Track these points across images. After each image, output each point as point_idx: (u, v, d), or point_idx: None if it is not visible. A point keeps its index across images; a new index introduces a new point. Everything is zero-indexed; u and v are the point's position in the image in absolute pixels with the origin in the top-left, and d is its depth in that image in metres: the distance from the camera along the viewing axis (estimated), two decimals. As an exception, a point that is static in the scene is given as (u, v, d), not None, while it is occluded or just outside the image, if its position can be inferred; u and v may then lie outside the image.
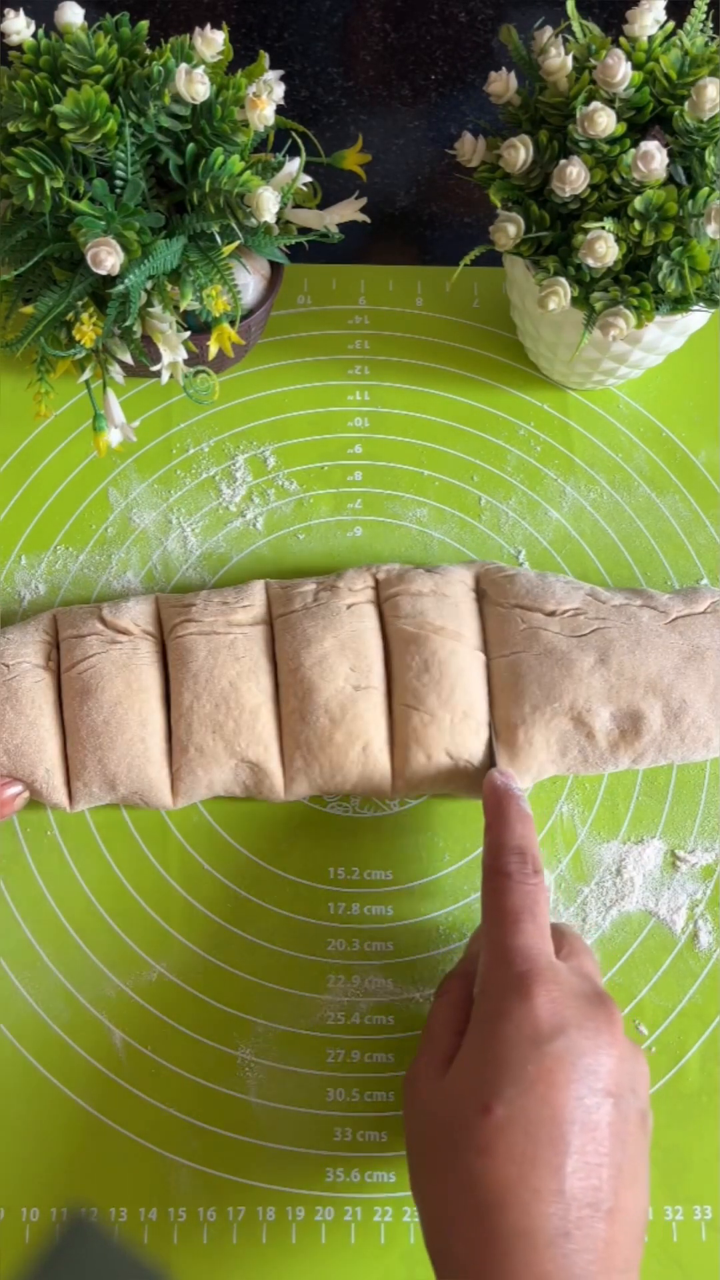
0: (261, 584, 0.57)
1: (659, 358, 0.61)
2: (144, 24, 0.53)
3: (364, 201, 0.59)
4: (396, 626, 0.54)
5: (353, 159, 0.59)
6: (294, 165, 0.56)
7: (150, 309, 0.55)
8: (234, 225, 0.53)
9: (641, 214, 0.51)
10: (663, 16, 0.53)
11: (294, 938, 0.55)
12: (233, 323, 0.56)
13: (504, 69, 0.55)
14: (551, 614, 0.55)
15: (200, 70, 0.50)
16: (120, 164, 0.50)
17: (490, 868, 0.47)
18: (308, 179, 0.58)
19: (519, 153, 0.53)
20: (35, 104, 0.50)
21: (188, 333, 0.56)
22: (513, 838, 0.47)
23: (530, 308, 0.59)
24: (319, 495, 0.63)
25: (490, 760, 0.53)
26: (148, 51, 0.53)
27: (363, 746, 0.53)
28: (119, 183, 0.51)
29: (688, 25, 0.53)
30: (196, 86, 0.50)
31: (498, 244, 0.55)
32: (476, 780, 0.53)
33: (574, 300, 0.54)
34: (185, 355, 0.56)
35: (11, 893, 0.55)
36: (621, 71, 0.51)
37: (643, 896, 0.56)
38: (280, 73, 0.55)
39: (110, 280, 0.52)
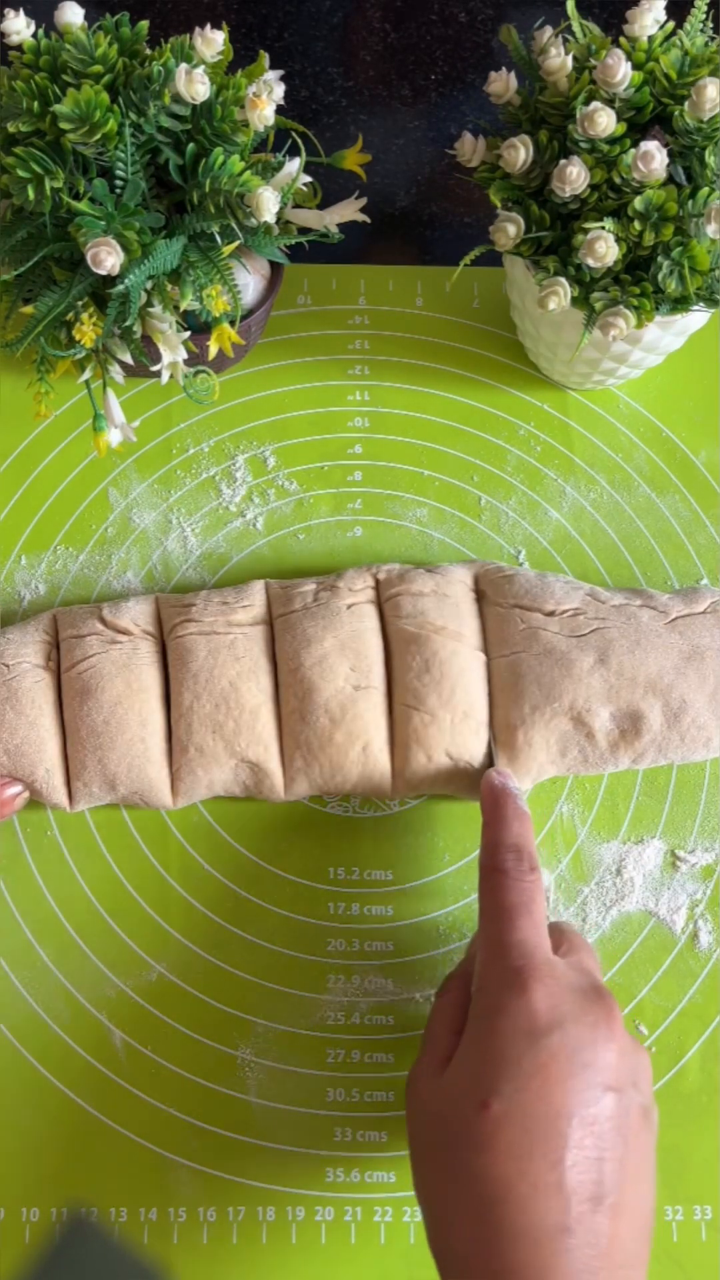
0: (261, 584, 0.57)
1: (659, 358, 0.61)
2: (144, 24, 0.53)
3: (364, 201, 0.59)
4: (397, 626, 0.54)
5: (353, 159, 0.59)
6: (294, 165, 0.56)
7: (150, 309, 0.55)
8: (234, 225, 0.53)
9: (641, 214, 0.51)
10: (663, 16, 0.53)
11: (294, 938, 0.55)
12: (233, 323, 0.56)
13: (504, 69, 0.55)
14: (551, 614, 0.55)
15: (200, 70, 0.50)
16: (120, 164, 0.50)
17: (487, 865, 0.47)
18: (308, 179, 0.58)
19: (519, 153, 0.53)
20: (35, 104, 0.50)
21: (188, 333, 0.56)
22: (509, 835, 0.47)
23: (530, 308, 0.59)
24: (319, 495, 0.63)
25: (490, 761, 0.53)
26: (148, 51, 0.53)
27: (363, 746, 0.53)
28: (119, 183, 0.51)
29: (688, 25, 0.53)
30: (196, 86, 0.50)
31: (498, 244, 0.55)
32: (476, 781, 0.53)
33: (574, 300, 0.54)
34: (185, 355, 0.56)
35: (11, 893, 0.55)
36: (621, 71, 0.51)
37: (643, 896, 0.56)
38: (280, 73, 0.55)
39: (110, 280, 0.52)
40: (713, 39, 0.53)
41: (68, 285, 0.53)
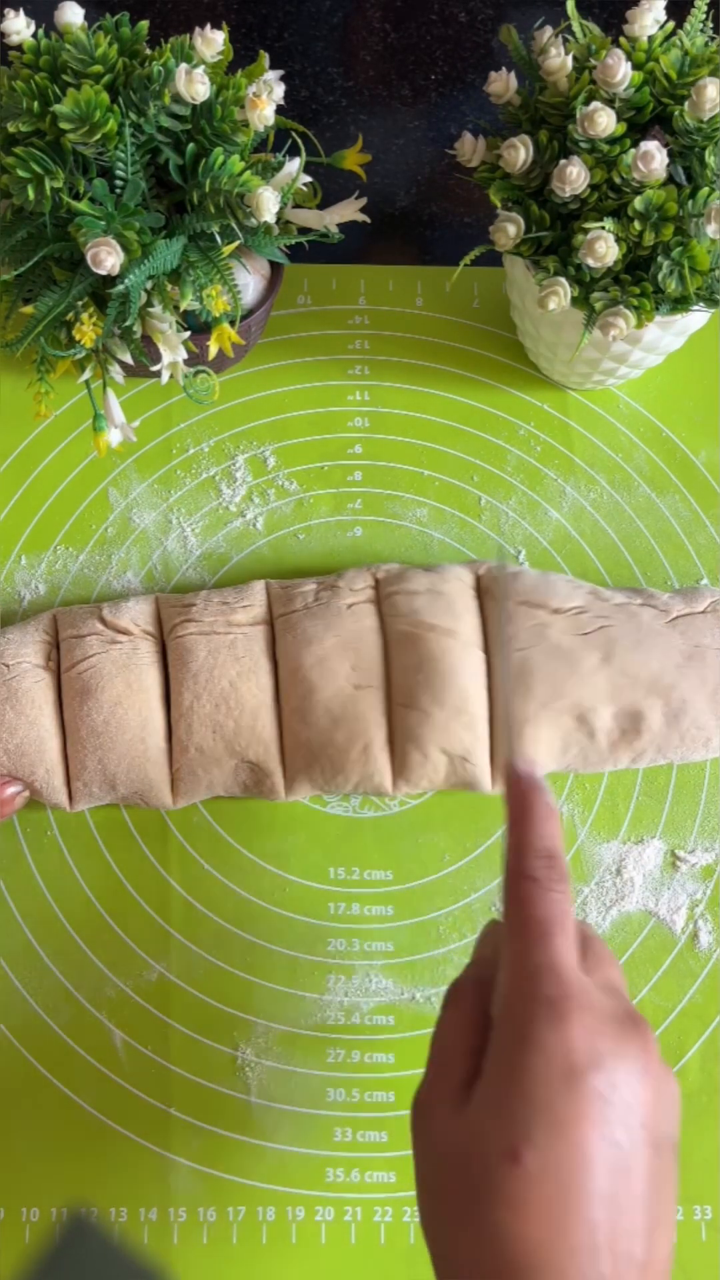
0: (262, 584, 0.57)
1: (659, 358, 0.61)
2: (144, 24, 0.53)
3: (364, 201, 0.59)
4: (393, 626, 0.54)
5: (353, 159, 0.59)
6: (294, 165, 0.56)
7: (150, 309, 0.55)
8: (234, 225, 0.53)
9: (641, 214, 0.51)
10: (663, 16, 0.53)
11: (294, 938, 0.55)
12: (233, 323, 0.56)
13: (504, 69, 0.55)
14: (555, 612, 0.55)
15: (200, 70, 0.50)
16: (120, 164, 0.50)
17: (515, 871, 0.42)
18: (308, 179, 0.58)
19: (519, 153, 0.53)
20: (35, 104, 0.50)
21: (188, 333, 0.56)
22: (540, 838, 0.42)
23: (530, 308, 0.59)
24: (319, 495, 0.63)
25: (490, 757, 0.53)
26: (148, 51, 0.53)
27: (363, 746, 0.53)
28: (119, 183, 0.51)
29: (688, 25, 0.53)
30: (196, 86, 0.50)
31: (498, 244, 0.55)
32: (474, 776, 0.53)
33: (574, 300, 0.54)
34: (185, 355, 0.56)
35: (11, 893, 0.55)
36: (621, 71, 0.51)
37: (643, 896, 0.56)
38: (280, 73, 0.55)
39: (110, 280, 0.52)
40: (713, 39, 0.53)
41: (68, 285, 0.53)
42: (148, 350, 0.57)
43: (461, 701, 0.53)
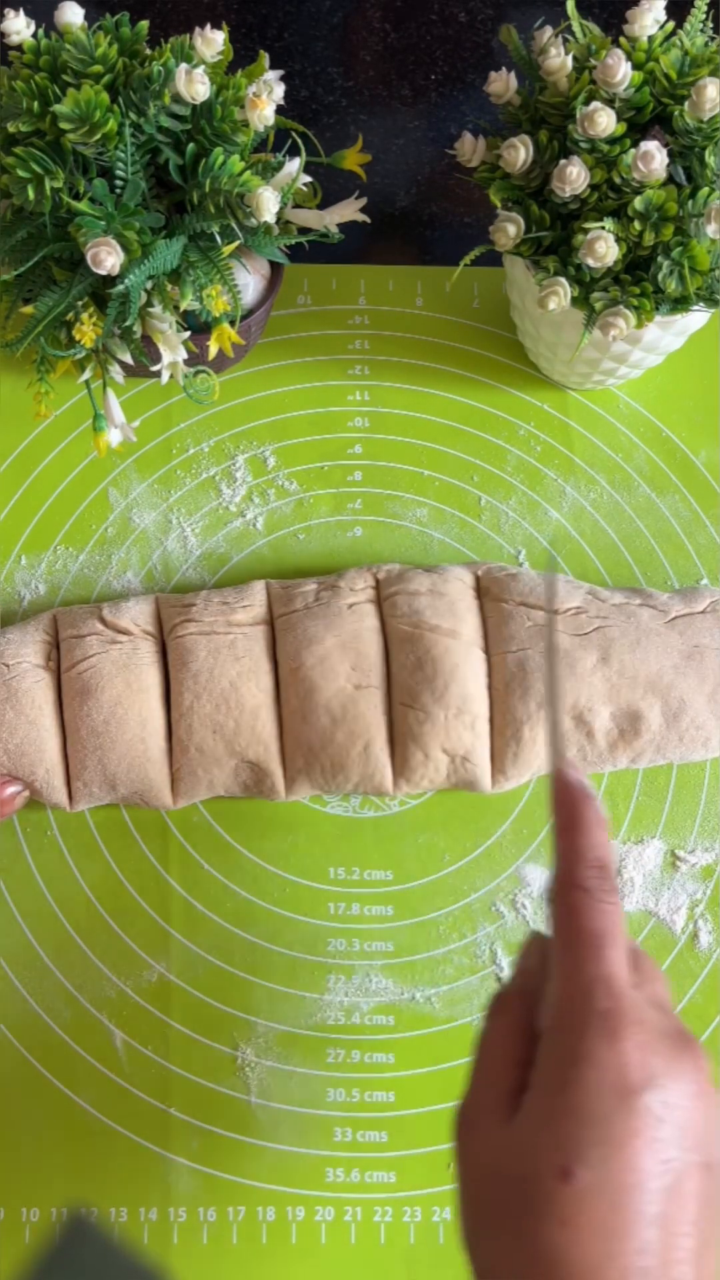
0: (262, 584, 0.57)
1: (659, 358, 0.61)
2: (144, 24, 0.53)
3: (364, 201, 0.59)
4: (394, 626, 0.54)
5: (353, 159, 0.59)
6: (294, 165, 0.56)
7: (150, 309, 0.54)
8: (234, 225, 0.53)
9: (641, 214, 0.51)
10: (663, 16, 0.53)
11: (294, 938, 0.55)
12: (233, 323, 0.56)
13: (504, 69, 0.55)
14: (554, 612, 0.55)
15: (200, 70, 0.50)
16: (120, 164, 0.50)
17: (565, 881, 0.41)
18: (308, 179, 0.58)
19: (519, 153, 0.53)
20: (35, 104, 0.50)
21: (188, 333, 0.56)
22: (591, 847, 0.41)
23: (530, 308, 0.59)
24: (319, 495, 0.63)
25: (489, 756, 0.53)
26: (148, 51, 0.53)
27: (364, 746, 0.53)
28: (119, 183, 0.51)
29: (688, 25, 0.53)
30: (196, 86, 0.50)
31: (498, 244, 0.55)
32: (474, 776, 0.53)
33: (574, 300, 0.54)
34: (185, 355, 0.56)
35: (11, 893, 0.55)
36: (621, 71, 0.51)
37: (643, 896, 0.56)
38: (280, 73, 0.55)
39: (110, 280, 0.52)
40: (713, 39, 0.53)
41: (68, 285, 0.53)
42: (148, 350, 0.57)
43: (462, 701, 0.53)
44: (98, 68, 0.50)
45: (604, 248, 0.51)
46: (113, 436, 0.57)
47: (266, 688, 0.54)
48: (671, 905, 0.56)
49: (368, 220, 0.59)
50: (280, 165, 0.56)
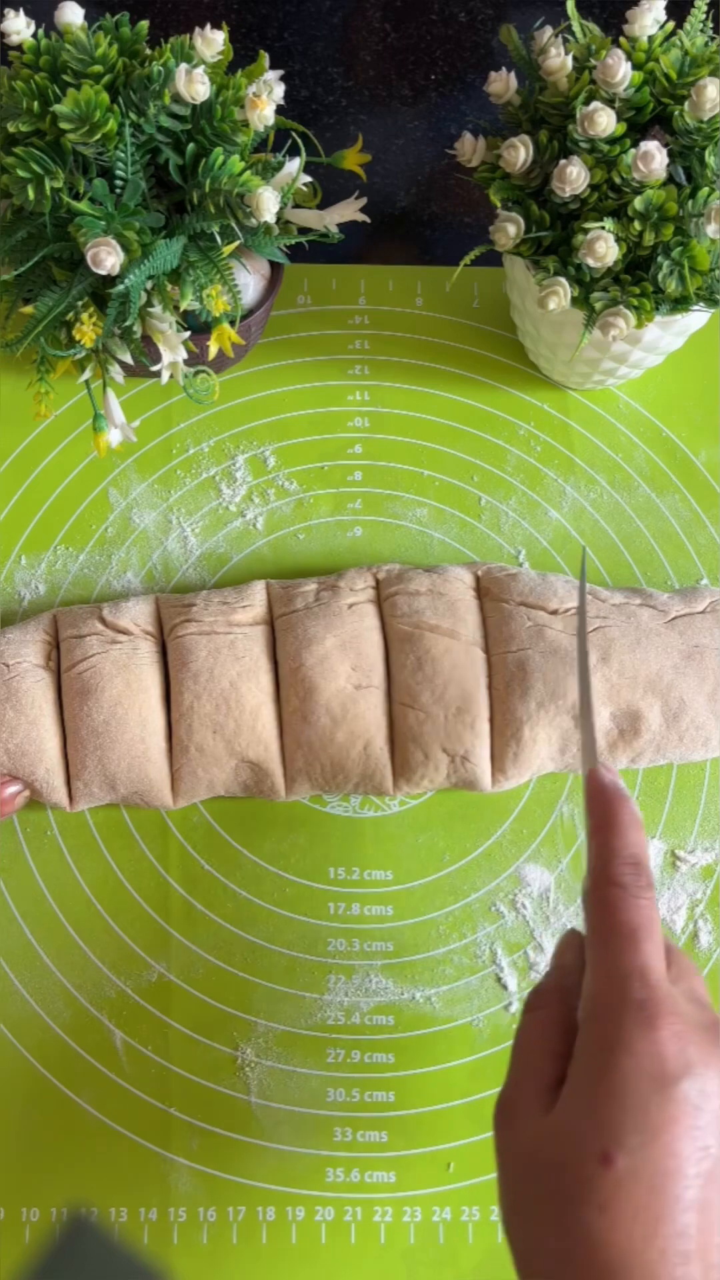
0: (262, 584, 0.57)
1: (659, 358, 0.61)
2: (144, 24, 0.53)
3: (364, 201, 0.59)
4: (394, 626, 0.54)
5: (353, 159, 0.59)
6: (294, 165, 0.56)
7: (150, 309, 0.55)
8: (234, 225, 0.53)
9: (641, 214, 0.51)
10: (663, 16, 0.53)
11: (294, 938, 0.55)
12: (233, 323, 0.56)
13: (504, 69, 0.55)
14: (554, 612, 0.55)
15: (200, 70, 0.50)
16: (120, 164, 0.50)
17: (601, 877, 0.42)
18: (308, 179, 0.58)
19: (519, 153, 0.53)
20: (35, 104, 0.50)
21: (188, 333, 0.56)
22: (626, 845, 0.42)
23: (530, 308, 0.59)
24: (319, 495, 0.63)
25: (489, 756, 0.53)
26: (148, 51, 0.53)
27: (364, 745, 0.53)
28: (119, 183, 0.51)
29: (688, 25, 0.53)
30: (196, 86, 0.50)
31: (498, 244, 0.55)
32: (474, 775, 0.53)
33: (574, 300, 0.54)
34: (185, 355, 0.56)
35: (11, 893, 0.55)
36: (621, 71, 0.51)
37: (643, 896, 0.56)
38: (280, 73, 0.55)
39: (110, 280, 0.52)
40: (713, 39, 0.53)
41: (68, 285, 0.53)
42: (148, 350, 0.57)
43: (462, 701, 0.53)
44: (98, 68, 0.50)
45: (604, 248, 0.51)
46: (113, 436, 0.57)
47: (266, 688, 0.54)
48: (671, 905, 0.56)
49: (368, 220, 0.59)
50: (280, 165, 0.56)
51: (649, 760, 0.55)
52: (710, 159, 0.52)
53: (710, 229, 0.51)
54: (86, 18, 0.53)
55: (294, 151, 0.56)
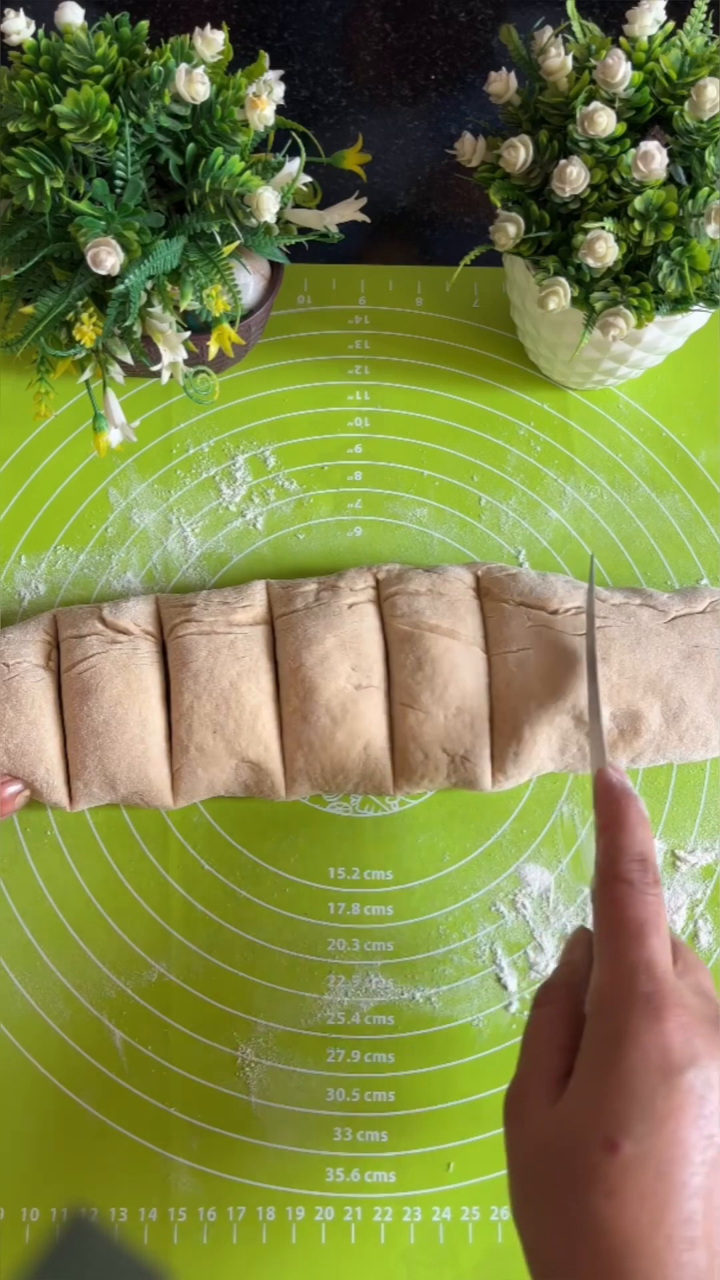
0: (262, 584, 0.57)
1: (659, 358, 0.61)
2: (144, 24, 0.53)
3: (364, 201, 0.59)
4: (393, 626, 0.54)
5: (353, 159, 0.59)
6: (294, 165, 0.56)
7: (150, 309, 0.55)
8: (234, 225, 0.53)
9: (641, 214, 0.51)
10: (663, 16, 0.53)
11: (294, 938, 0.55)
12: (233, 323, 0.56)
13: (504, 69, 0.55)
14: (554, 612, 0.55)
15: (200, 70, 0.50)
16: (120, 164, 0.50)
17: (608, 874, 0.43)
18: (308, 179, 0.58)
19: (519, 153, 0.53)
20: (35, 104, 0.50)
21: (188, 333, 0.56)
22: (634, 843, 0.44)
23: (530, 308, 0.59)
24: (319, 495, 0.63)
25: (490, 756, 0.53)
26: (148, 51, 0.53)
27: (364, 745, 0.53)
28: (119, 183, 0.51)
29: (688, 25, 0.53)
30: (196, 86, 0.50)
31: (498, 244, 0.55)
32: (474, 775, 0.53)
33: (574, 300, 0.54)
34: (185, 355, 0.56)
35: (11, 893, 0.55)
36: (621, 71, 0.51)
37: (643, 896, 0.56)
38: (280, 73, 0.55)
39: (110, 280, 0.52)
40: (713, 39, 0.53)
41: (68, 285, 0.53)
42: (148, 350, 0.57)
43: (462, 701, 0.53)
44: (98, 68, 0.50)
45: (604, 248, 0.51)
46: (113, 436, 0.57)
47: (266, 688, 0.54)
48: (671, 905, 0.56)
49: (368, 220, 0.59)
50: (280, 165, 0.56)
51: (649, 760, 0.55)
52: (710, 159, 0.52)
53: (710, 229, 0.51)
54: (86, 18, 0.53)
55: (294, 151, 0.56)
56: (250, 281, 0.59)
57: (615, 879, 0.43)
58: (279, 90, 0.55)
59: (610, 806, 0.45)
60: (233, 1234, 0.51)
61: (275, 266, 0.61)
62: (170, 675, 0.54)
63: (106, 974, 0.54)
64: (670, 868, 0.56)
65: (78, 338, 0.53)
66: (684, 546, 0.62)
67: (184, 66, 0.50)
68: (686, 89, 0.51)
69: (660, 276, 0.52)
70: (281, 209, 0.54)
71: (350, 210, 0.59)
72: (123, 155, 0.50)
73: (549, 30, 0.55)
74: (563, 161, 0.52)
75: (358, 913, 0.56)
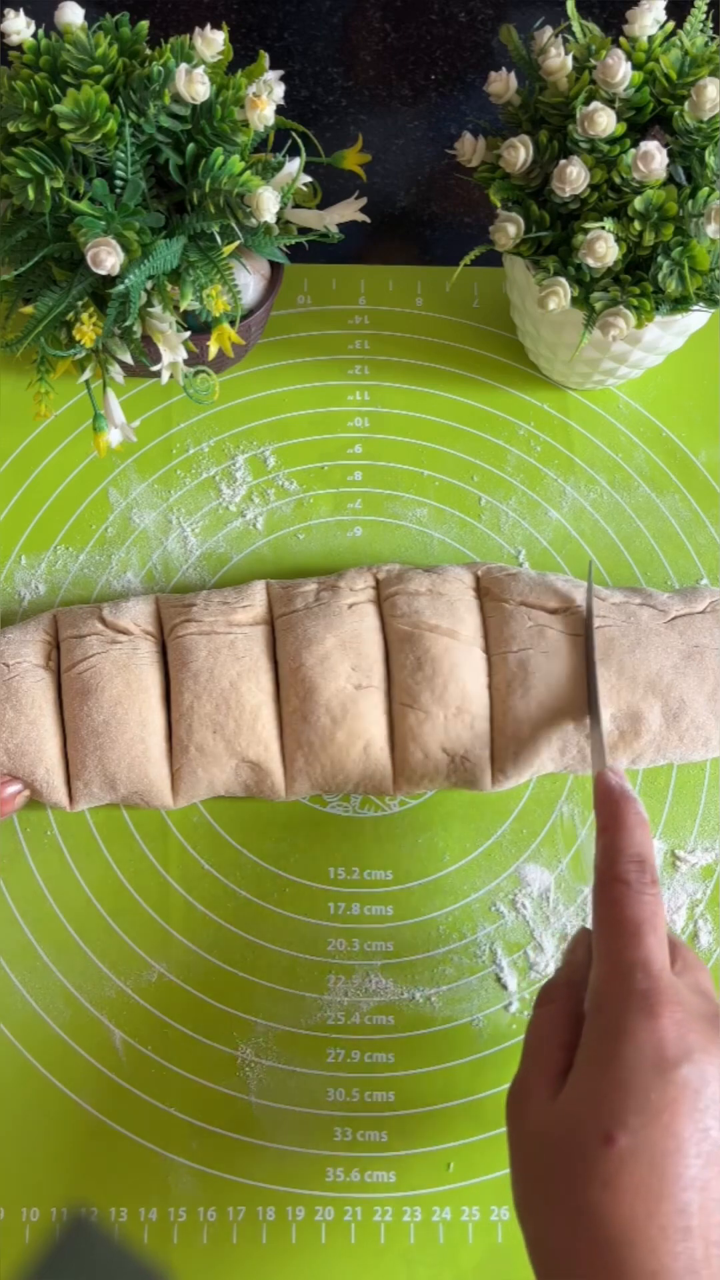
0: (262, 584, 0.57)
1: (659, 358, 0.61)
2: (144, 24, 0.53)
3: (364, 201, 0.59)
4: (393, 626, 0.54)
5: (353, 159, 0.59)
6: (294, 165, 0.56)
7: (150, 309, 0.55)
8: (234, 225, 0.53)
9: (641, 214, 0.51)
10: (663, 16, 0.53)
11: (294, 938, 0.55)
12: (233, 323, 0.56)
13: (504, 69, 0.55)
14: (554, 612, 0.55)
15: (200, 70, 0.50)
16: (120, 164, 0.50)
17: (606, 875, 0.44)
18: (308, 179, 0.58)
19: (519, 153, 0.53)
20: (35, 104, 0.50)
21: (188, 333, 0.56)
22: (631, 844, 0.44)
23: (530, 308, 0.59)
24: (319, 495, 0.63)
25: (490, 756, 0.54)
26: (148, 51, 0.53)
27: (364, 745, 0.53)
28: (119, 183, 0.51)
29: (688, 25, 0.53)
30: (196, 86, 0.50)
31: (498, 244, 0.55)
32: (474, 775, 0.53)
33: (574, 300, 0.54)
34: (185, 355, 0.56)
35: (11, 893, 0.55)
36: (621, 71, 0.51)
37: (643, 896, 0.56)
38: (280, 73, 0.55)
39: (110, 280, 0.52)
40: (713, 39, 0.53)
41: (68, 285, 0.53)
42: (148, 350, 0.57)
43: (462, 700, 0.53)
44: (98, 68, 0.50)
45: (604, 248, 0.51)
46: (113, 436, 0.57)
47: (266, 688, 0.54)
48: (671, 905, 0.56)
49: (368, 220, 0.59)
50: (280, 165, 0.56)
51: (649, 761, 0.55)
52: (710, 159, 0.52)
53: (710, 229, 0.51)
54: (86, 18, 0.53)
55: (294, 151, 0.56)
56: (250, 281, 0.59)
57: (613, 879, 0.44)
58: (279, 90, 0.55)
59: (609, 808, 0.46)
60: (233, 1234, 0.51)
61: (275, 266, 0.61)
62: (170, 675, 0.54)
63: (106, 974, 0.54)
64: (670, 868, 0.56)
65: (78, 338, 0.53)
66: (684, 546, 0.62)
67: (184, 66, 0.50)
68: (686, 89, 0.51)
69: (660, 276, 0.52)
70: (281, 209, 0.54)
71: (350, 210, 0.59)
72: (123, 155, 0.50)
73: (549, 30, 0.55)
74: (563, 161, 0.52)
75: (358, 913, 0.56)
